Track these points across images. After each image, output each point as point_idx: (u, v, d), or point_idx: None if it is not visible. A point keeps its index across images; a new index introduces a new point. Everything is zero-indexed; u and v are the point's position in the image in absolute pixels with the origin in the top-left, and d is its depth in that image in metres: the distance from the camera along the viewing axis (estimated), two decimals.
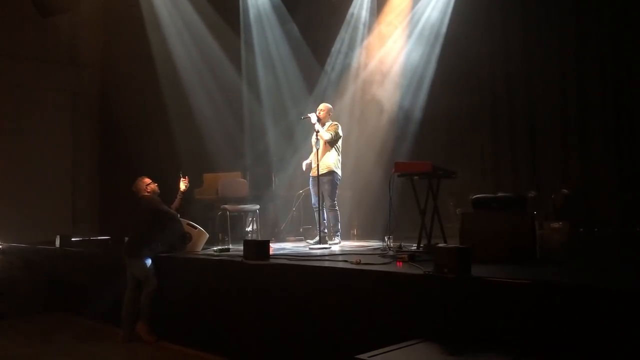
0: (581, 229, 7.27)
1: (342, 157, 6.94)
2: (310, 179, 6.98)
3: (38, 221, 9.76)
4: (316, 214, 6.85)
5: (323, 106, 7.00)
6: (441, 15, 8.72)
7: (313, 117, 6.75)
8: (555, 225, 7.41)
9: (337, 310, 4.18)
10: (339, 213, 6.90)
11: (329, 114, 6.95)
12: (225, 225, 7.53)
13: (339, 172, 6.85)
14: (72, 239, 8.11)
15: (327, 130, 6.75)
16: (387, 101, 9.07)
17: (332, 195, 6.79)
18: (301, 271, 4.69)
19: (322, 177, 6.69)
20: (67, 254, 7.66)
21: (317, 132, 6.66)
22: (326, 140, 6.73)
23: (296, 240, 7.95)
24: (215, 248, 6.36)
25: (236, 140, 9.68)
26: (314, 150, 6.75)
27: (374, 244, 6.63)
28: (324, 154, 6.76)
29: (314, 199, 6.91)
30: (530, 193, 7.50)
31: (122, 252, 6.10)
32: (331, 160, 6.75)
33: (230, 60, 9.67)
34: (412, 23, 8.99)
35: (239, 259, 5.23)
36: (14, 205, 9.77)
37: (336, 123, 6.89)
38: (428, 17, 8.87)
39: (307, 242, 6.96)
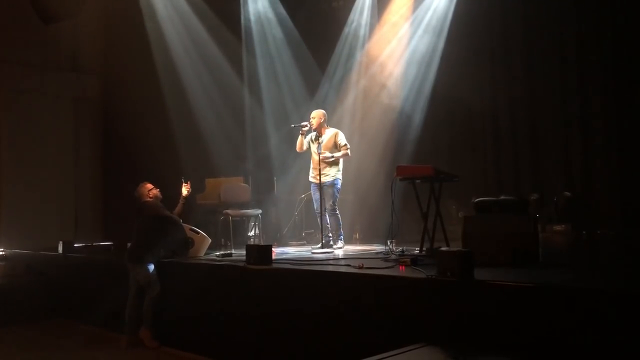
0: (584, 232, 7.25)
1: (344, 162, 6.91)
2: (312, 186, 6.94)
3: (40, 227, 9.75)
4: (319, 219, 6.79)
5: (315, 114, 6.82)
6: (442, 18, 8.72)
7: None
8: (558, 227, 7.39)
9: (340, 315, 4.18)
10: (340, 217, 6.90)
11: (324, 121, 6.80)
12: (227, 230, 7.52)
13: (341, 177, 6.84)
14: (75, 245, 8.11)
15: (341, 148, 6.68)
16: (389, 105, 9.06)
17: (334, 200, 6.78)
18: (304, 276, 4.69)
19: (324, 185, 6.64)
20: (70, 260, 7.66)
21: (321, 153, 6.59)
22: (342, 158, 6.74)
23: (299, 244, 7.94)
24: (217, 253, 6.35)
25: (238, 145, 9.68)
26: (312, 155, 6.77)
27: (377, 248, 6.61)
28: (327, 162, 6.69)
29: (316, 205, 6.86)
30: (533, 196, 7.49)
31: (124, 258, 6.09)
32: (334, 169, 6.75)
33: (231, 65, 9.69)
34: (413, 26, 8.99)
35: (242, 264, 5.23)
36: (17, 212, 9.78)
37: (339, 133, 6.80)
38: (429, 20, 8.86)
39: (312, 247, 6.95)
